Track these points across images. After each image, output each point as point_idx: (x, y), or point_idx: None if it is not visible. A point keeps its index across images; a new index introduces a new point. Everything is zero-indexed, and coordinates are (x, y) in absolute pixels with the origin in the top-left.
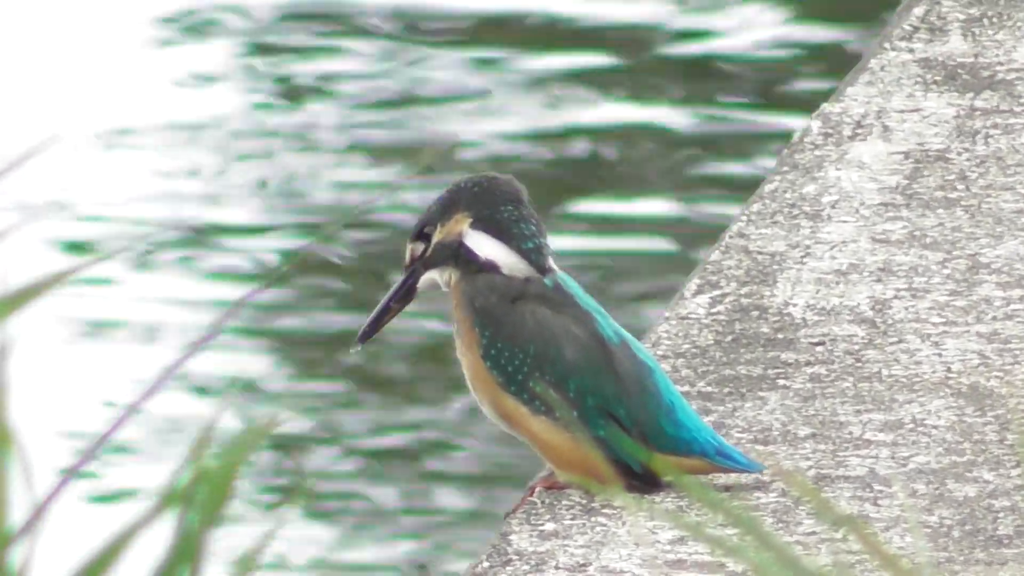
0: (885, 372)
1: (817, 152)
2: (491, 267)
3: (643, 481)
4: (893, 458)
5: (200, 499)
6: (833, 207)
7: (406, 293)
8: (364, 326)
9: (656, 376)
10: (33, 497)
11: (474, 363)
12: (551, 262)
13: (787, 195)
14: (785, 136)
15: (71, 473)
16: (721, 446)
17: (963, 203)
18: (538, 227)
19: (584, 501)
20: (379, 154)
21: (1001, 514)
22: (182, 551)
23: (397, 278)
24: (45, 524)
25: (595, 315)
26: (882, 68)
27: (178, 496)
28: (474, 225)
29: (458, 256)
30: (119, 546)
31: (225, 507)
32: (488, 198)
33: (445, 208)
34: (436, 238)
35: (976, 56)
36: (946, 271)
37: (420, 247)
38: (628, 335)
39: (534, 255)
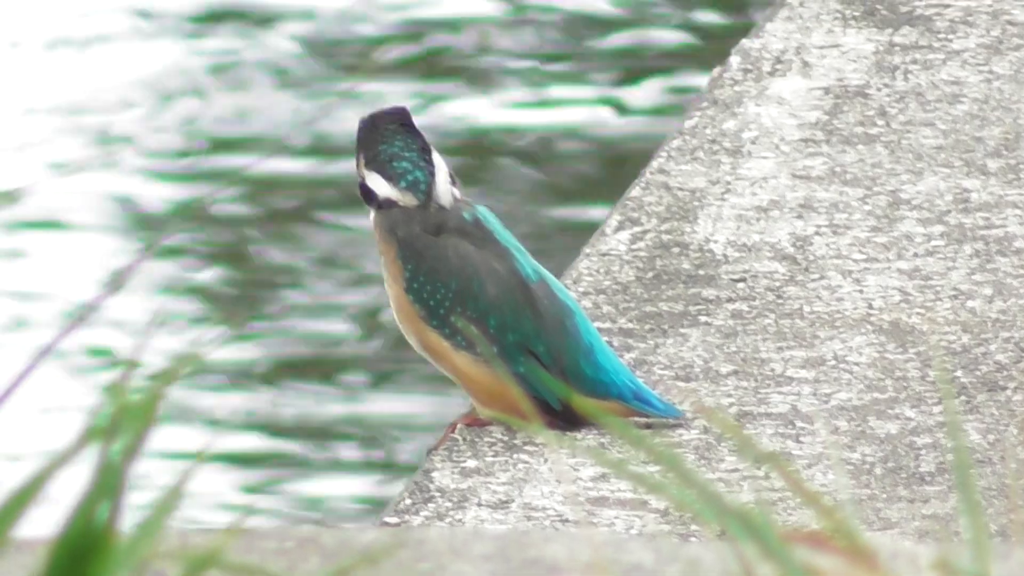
0: (807, 309)
1: (737, 88)
2: (389, 204)
3: (562, 419)
4: (815, 395)
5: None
6: (753, 143)
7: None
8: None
9: (576, 317)
10: None
11: (398, 295)
12: (439, 193)
13: (707, 131)
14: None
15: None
16: (639, 390)
17: (883, 139)
18: (415, 158)
19: (506, 438)
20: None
21: (923, 451)
22: (103, 485)
23: None
24: None
25: (514, 252)
26: (801, 4)
27: (99, 431)
28: (368, 166)
29: (365, 194)
30: (39, 482)
31: (146, 441)
32: (371, 137)
33: (355, 150)
34: (358, 178)
35: None
36: (867, 207)
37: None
38: (547, 274)
39: (414, 189)
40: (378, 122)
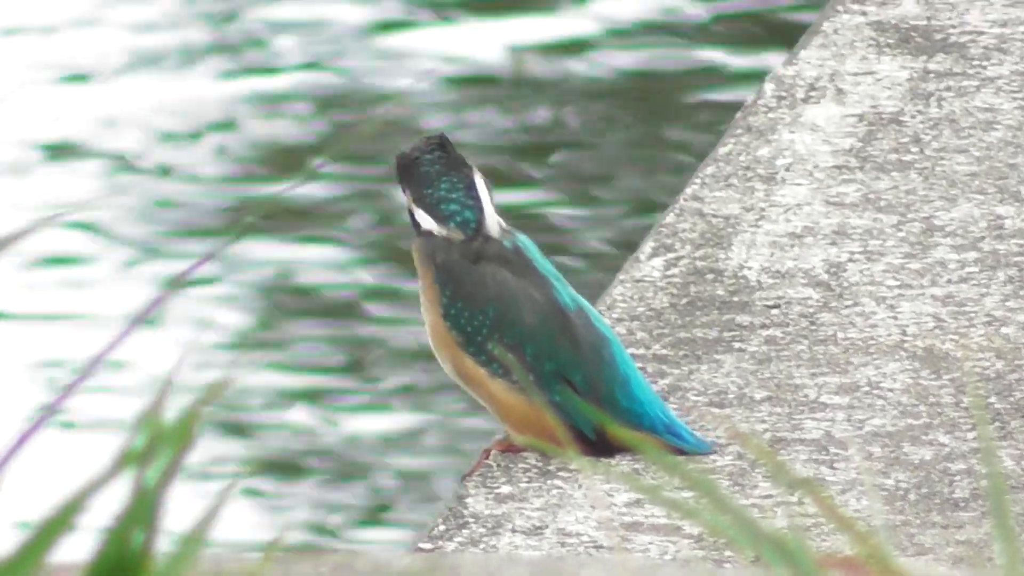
0: (840, 335)
1: (771, 115)
2: (430, 235)
3: (597, 447)
4: (849, 421)
5: (157, 458)
6: (787, 170)
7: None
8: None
9: (613, 347)
10: None
11: (435, 322)
12: (488, 226)
13: (741, 158)
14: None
15: (28, 432)
16: (671, 423)
17: (917, 166)
18: (466, 196)
19: (540, 464)
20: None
21: (957, 477)
22: (138, 510)
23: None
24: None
25: (552, 281)
26: (835, 31)
27: (135, 455)
28: (415, 202)
29: (413, 223)
30: (74, 506)
31: (181, 466)
32: (416, 178)
33: (398, 180)
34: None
35: (929, 19)
36: (901, 234)
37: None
38: (585, 303)
39: (464, 228)
40: (419, 161)
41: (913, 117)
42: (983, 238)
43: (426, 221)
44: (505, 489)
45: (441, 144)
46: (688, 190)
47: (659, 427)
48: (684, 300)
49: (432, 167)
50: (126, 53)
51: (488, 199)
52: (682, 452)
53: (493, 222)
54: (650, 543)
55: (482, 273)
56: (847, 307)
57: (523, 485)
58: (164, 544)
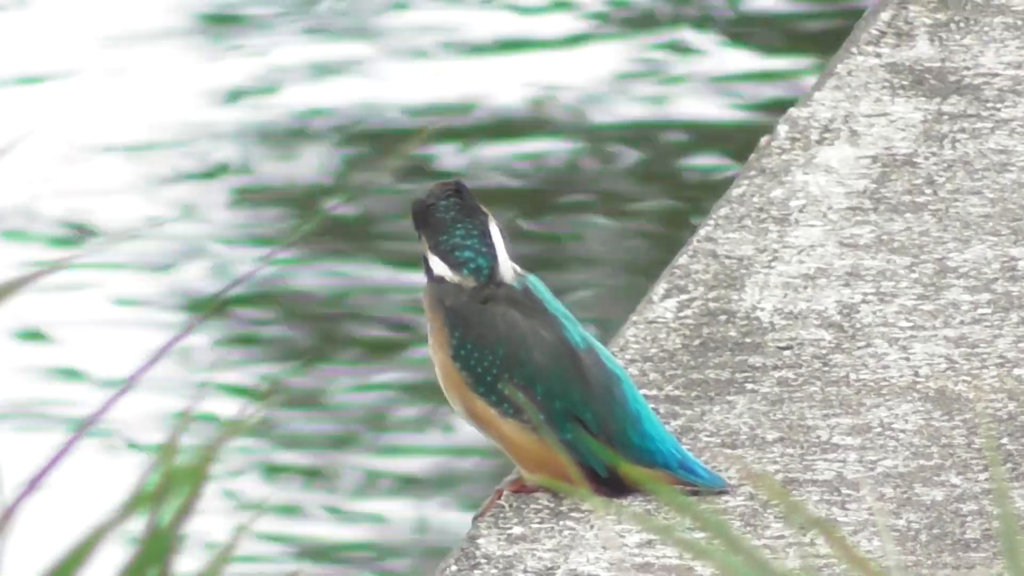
0: (853, 376)
1: (784, 156)
2: (442, 281)
3: (609, 486)
4: (861, 462)
5: (170, 498)
6: (801, 211)
7: None
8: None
9: (624, 385)
10: (2, 496)
11: (444, 363)
12: (502, 273)
13: (755, 199)
14: None
15: (44, 471)
16: (684, 459)
17: (931, 207)
18: (477, 244)
19: (552, 504)
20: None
21: (968, 518)
22: (152, 549)
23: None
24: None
25: (563, 320)
26: (849, 73)
27: (148, 496)
28: (430, 249)
29: (425, 268)
30: (89, 546)
31: (196, 506)
32: (432, 224)
33: (414, 225)
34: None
35: (943, 61)
36: (914, 275)
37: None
38: (596, 342)
39: (476, 275)
40: (435, 208)
41: (927, 159)
42: (996, 280)
43: (439, 267)
44: (517, 530)
45: (457, 190)
46: (701, 231)
47: (672, 463)
48: (697, 341)
49: (447, 213)
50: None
51: (502, 246)
52: (696, 488)
53: (507, 268)
54: None
55: (491, 314)
56: (860, 348)
57: (535, 525)
58: None
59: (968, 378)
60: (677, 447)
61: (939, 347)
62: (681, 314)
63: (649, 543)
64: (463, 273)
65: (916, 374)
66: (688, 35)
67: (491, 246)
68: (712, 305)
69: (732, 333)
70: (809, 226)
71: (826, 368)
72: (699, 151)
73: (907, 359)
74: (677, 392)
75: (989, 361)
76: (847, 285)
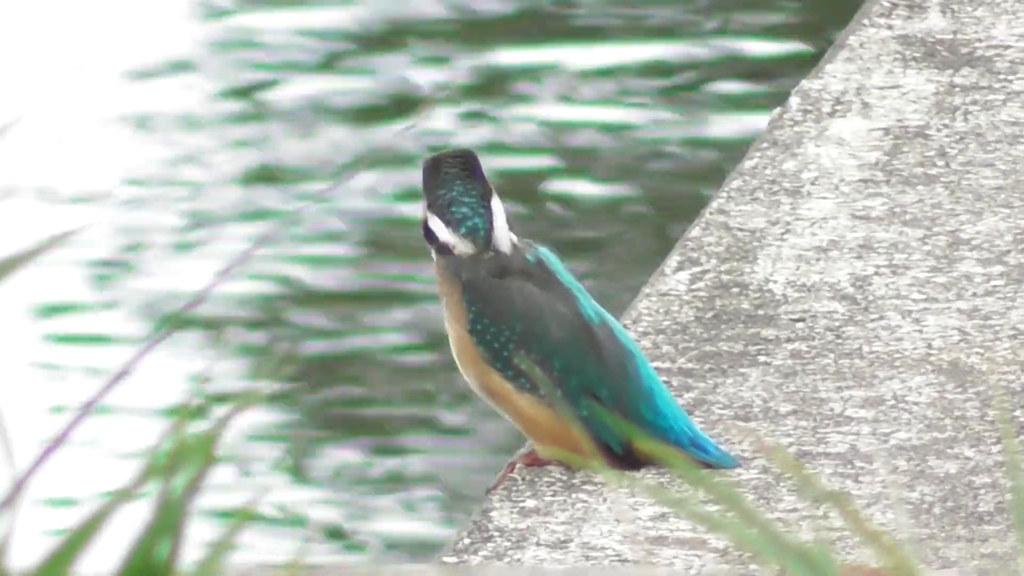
0: (866, 348)
1: (797, 129)
2: (446, 249)
3: (624, 462)
4: (874, 435)
5: (181, 470)
6: (813, 184)
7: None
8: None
9: (638, 361)
10: (13, 470)
11: (460, 337)
12: (497, 239)
13: (767, 171)
14: None
15: (52, 446)
16: (696, 436)
17: (943, 179)
18: (474, 204)
19: (565, 478)
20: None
21: (982, 491)
22: (163, 522)
23: None
24: (26, 497)
25: (576, 294)
26: (861, 45)
27: (159, 468)
28: (429, 208)
29: (426, 235)
30: (99, 519)
31: (206, 478)
32: (432, 181)
33: (421, 189)
34: (421, 216)
35: (955, 33)
36: (926, 247)
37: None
38: (609, 316)
39: (473, 235)
40: (440, 165)
41: (939, 131)
42: (1009, 251)
43: (438, 227)
44: (530, 503)
45: (467, 155)
46: (714, 204)
47: (684, 441)
48: (709, 314)
49: (450, 170)
50: None
51: (502, 215)
52: (708, 465)
53: (504, 236)
54: (675, 557)
55: (508, 288)
56: (872, 321)
57: (548, 499)
58: (189, 556)
59: (981, 350)
60: (689, 424)
61: (952, 319)
62: (694, 287)
63: (663, 516)
64: (459, 232)
65: (929, 346)
66: None
67: (488, 209)
68: (725, 278)
69: (745, 306)
70: (821, 198)
71: (839, 340)
72: None
73: (920, 331)
74: (690, 365)
75: (1002, 333)
76: (860, 257)
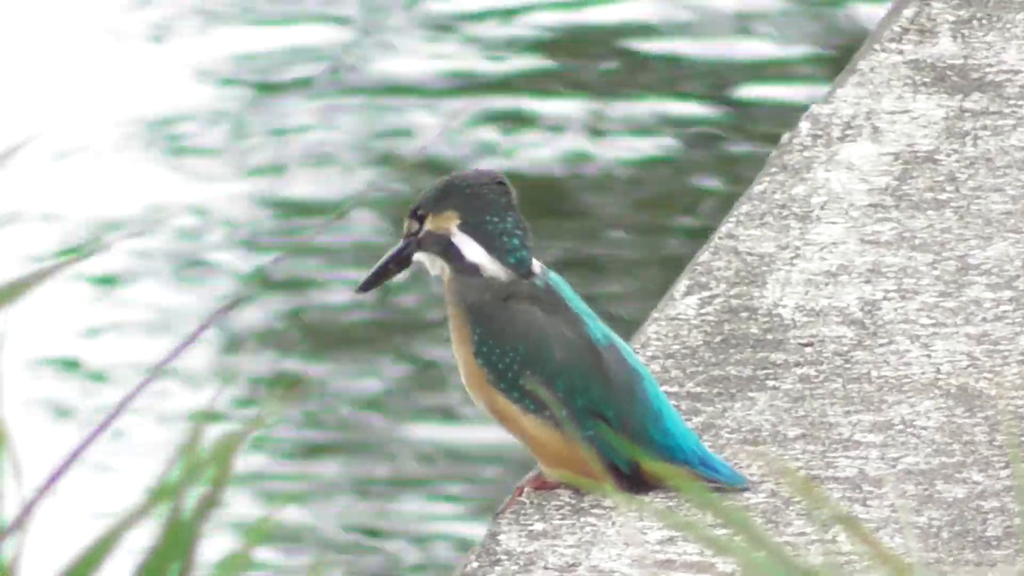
0: (874, 373)
1: (806, 153)
2: (473, 269)
3: (631, 483)
4: (883, 459)
5: (192, 493)
6: (822, 208)
7: (402, 261)
8: (366, 276)
9: (646, 383)
10: (23, 492)
11: (466, 359)
12: (534, 268)
13: (776, 196)
14: None
15: (62, 469)
16: (705, 456)
17: (952, 204)
18: (523, 236)
19: (573, 501)
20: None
21: (990, 515)
22: (173, 543)
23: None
24: (36, 518)
25: (584, 318)
26: (871, 69)
27: (170, 488)
28: (462, 227)
29: (447, 251)
30: (111, 539)
31: (218, 500)
32: (478, 204)
33: (439, 198)
34: (428, 226)
35: (966, 58)
36: (935, 272)
37: (415, 226)
38: (617, 339)
39: (517, 267)
40: (483, 190)
41: (949, 156)
42: (1018, 276)
43: (473, 251)
44: (538, 526)
45: (503, 182)
46: (723, 228)
47: (693, 461)
48: (718, 338)
49: (500, 198)
50: None
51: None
52: (717, 486)
53: (538, 263)
54: None
55: (513, 310)
56: (881, 345)
57: (556, 522)
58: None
59: (990, 375)
60: (698, 444)
61: (961, 344)
62: (703, 311)
63: (671, 539)
64: (508, 261)
65: (938, 371)
66: None
67: (531, 245)
68: (734, 302)
69: (753, 330)
70: (831, 223)
71: (848, 365)
72: None
73: (929, 356)
74: (698, 389)
75: (1011, 358)
76: (868, 282)
